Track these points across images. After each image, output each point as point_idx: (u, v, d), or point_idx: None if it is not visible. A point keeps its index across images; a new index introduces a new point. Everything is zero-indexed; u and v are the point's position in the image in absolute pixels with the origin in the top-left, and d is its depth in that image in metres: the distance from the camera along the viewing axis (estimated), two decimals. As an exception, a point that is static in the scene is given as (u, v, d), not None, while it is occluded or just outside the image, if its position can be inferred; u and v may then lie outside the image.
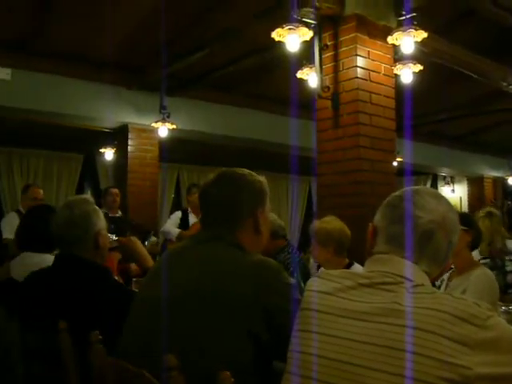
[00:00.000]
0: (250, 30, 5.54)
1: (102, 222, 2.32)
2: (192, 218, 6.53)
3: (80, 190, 9.24)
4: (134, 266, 4.67)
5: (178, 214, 6.68)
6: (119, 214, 6.32)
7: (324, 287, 1.38)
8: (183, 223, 6.51)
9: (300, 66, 4.88)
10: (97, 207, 2.37)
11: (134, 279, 3.86)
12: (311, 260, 4.56)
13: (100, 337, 1.70)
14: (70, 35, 5.93)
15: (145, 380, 1.43)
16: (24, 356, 2.33)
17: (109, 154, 8.09)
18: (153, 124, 6.93)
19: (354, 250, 3.52)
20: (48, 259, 2.51)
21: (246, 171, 1.92)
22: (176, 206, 9.95)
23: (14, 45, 6.13)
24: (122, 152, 7.49)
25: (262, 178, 1.93)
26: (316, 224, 3.61)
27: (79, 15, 5.56)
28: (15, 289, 2.58)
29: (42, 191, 6.10)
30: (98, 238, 2.27)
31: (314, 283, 1.42)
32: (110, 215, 5.74)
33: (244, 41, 5.75)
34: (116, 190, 6.39)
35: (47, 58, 6.37)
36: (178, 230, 6.36)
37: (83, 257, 2.21)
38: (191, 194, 6.65)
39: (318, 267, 3.97)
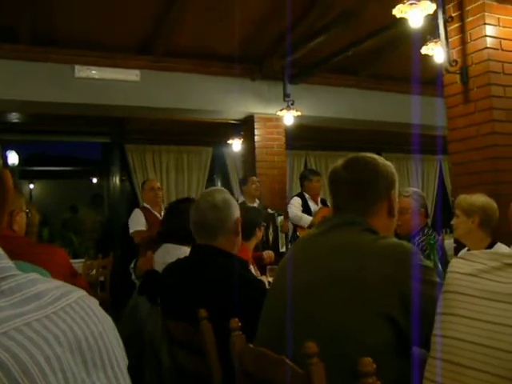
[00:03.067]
0: (369, 10, 5.43)
1: (238, 212, 2.39)
2: (312, 204, 6.52)
3: (210, 182, 9.50)
4: (266, 254, 4.76)
5: (298, 199, 6.68)
6: (257, 202, 6.31)
7: (467, 268, 1.33)
8: (304, 208, 6.51)
9: (424, 42, 4.71)
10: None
11: (269, 266, 3.91)
12: (446, 240, 4.40)
13: (239, 324, 1.75)
14: (193, 34, 6.11)
15: (285, 366, 1.44)
16: (167, 344, 2.45)
17: (236, 144, 8.27)
18: (278, 112, 6.98)
19: (494, 229, 3.34)
20: (188, 251, 2.61)
21: (375, 155, 1.90)
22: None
23: (141, 47, 6.42)
24: (249, 142, 7.61)
25: (389, 162, 1.91)
26: (460, 195, 3.47)
27: (201, 13, 5.72)
28: (156, 279, 2.71)
29: (158, 183, 6.33)
30: (238, 224, 2.34)
31: (456, 264, 1.37)
32: (247, 204, 5.81)
33: (363, 22, 5.64)
34: (257, 179, 6.44)
35: (173, 58, 6.61)
36: (310, 218, 6.36)
37: (219, 246, 2.28)
38: (312, 181, 6.65)
39: (456, 249, 3.82)
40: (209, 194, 2.41)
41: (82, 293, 0.81)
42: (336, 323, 1.57)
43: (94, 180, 12.46)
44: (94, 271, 5.87)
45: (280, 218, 5.61)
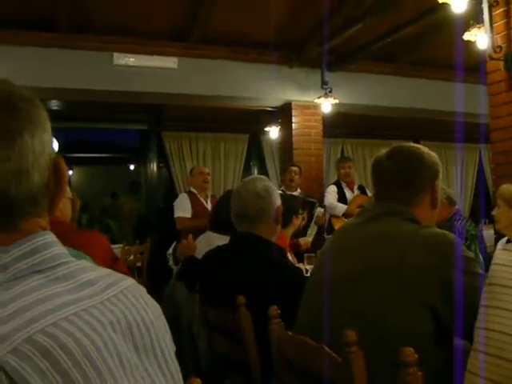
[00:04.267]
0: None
1: (279, 201, 2.39)
2: (347, 192, 6.48)
3: (247, 170, 9.51)
4: (303, 241, 4.75)
5: (334, 188, 6.63)
6: (298, 191, 6.24)
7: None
8: (340, 196, 6.46)
9: (467, 28, 4.61)
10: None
11: (306, 254, 3.90)
12: (485, 231, 4.32)
13: (279, 311, 1.75)
14: (230, 20, 6.10)
15: (324, 354, 1.43)
16: (205, 330, 2.47)
17: (273, 132, 8.24)
18: (315, 100, 6.94)
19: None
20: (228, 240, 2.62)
21: (419, 145, 1.89)
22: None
23: (179, 34, 6.42)
24: (286, 130, 7.58)
25: (433, 153, 1.89)
26: (503, 185, 3.40)
27: (237, 0, 5.70)
28: (195, 266, 2.73)
29: (207, 168, 6.37)
30: (279, 212, 2.34)
31: (500, 256, 1.35)
32: (286, 193, 5.78)
33: (403, 8, 5.53)
34: (296, 168, 6.39)
35: (210, 45, 6.60)
36: (344, 206, 6.33)
37: (259, 234, 2.28)
38: (344, 167, 6.61)
39: (496, 239, 3.75)
40: (250, 182, 2.41)
41: (132, 281, 0.83)
42: (376, 312, 1.57)
43: (132, 167, 12.59)
44: (132, 257, 5.95)
45: (319, 210, 5.56)
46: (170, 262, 4.95)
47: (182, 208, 5.70)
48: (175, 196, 7.08)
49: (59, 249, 0.75)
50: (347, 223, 1.98)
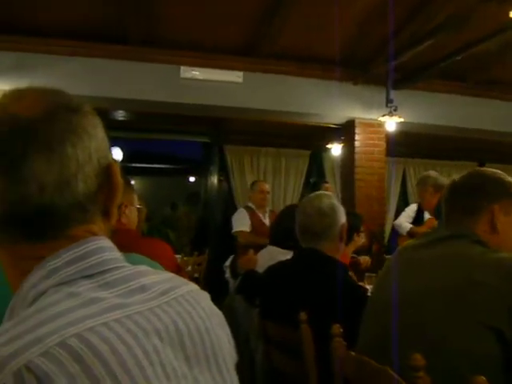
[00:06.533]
0: (479, 14, 5.18)
1: (344, 218, 2.37)
2: (427, 214, 6.34)
3: (306, 185, 9.46)
4: (363, 259, 4.69)
5: (413, 207, 6.50)
6: None
7: None
8: (417, 217, 6.34)
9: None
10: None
11: (367, 274, 3.86)
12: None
13: (341, 330, 1.72)
14: (296, 36, 6.11)
15: (388, 377, 1.40)
16: (263, 344, 2.45)
17: (336, 149, 8.18)
18: (380, 118, 6.87)
19: None
20: (290, 256, 2.60)
21: (497, 170, 1.84)
22: (403, 200, 9.76)
23: (245, 49, 6.48)
24: (348, 147, 7.51)
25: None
26: None
27: (305, 17, 5.71)
28: (256, 280, 2.72)
29: (267, 185, 6.38)
30: (343, 230, 2.32)
31: None
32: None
33: (472, 26, 5.41)
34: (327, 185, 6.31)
35: (276, 60, 6.63)
36: (409, 225, 6.21)
37: (323, 251, 2.26)
38: (426, 189, 6.47)
39: None
40: (315, 198, 2.40)
41: (193, 287, 0.81)
42: (441, 334, 1.54)
43: (192, 179, 12.73)
44: (190, 267, 6.00)
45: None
46: (227, 275, 4.96)
47: (242, 222, 5.75)
48: (234, 209, 7.12)
49: (112, 254, 0.76)
50: (412, 244, 1.94)
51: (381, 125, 7.07)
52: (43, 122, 0.72)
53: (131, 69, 6.20)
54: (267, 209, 6.08)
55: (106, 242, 0.76)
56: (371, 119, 7.13)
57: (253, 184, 6.43)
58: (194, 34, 6.03)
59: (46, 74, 5.58)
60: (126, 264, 0.76)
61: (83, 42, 5.93)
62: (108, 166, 0.79)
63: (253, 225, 5.69)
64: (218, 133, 8.91)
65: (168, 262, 2.17)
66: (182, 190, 12.26)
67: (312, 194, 2.54)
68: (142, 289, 0.72)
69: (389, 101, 6.86)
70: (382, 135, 7.29)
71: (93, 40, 5.94)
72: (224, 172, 9.21)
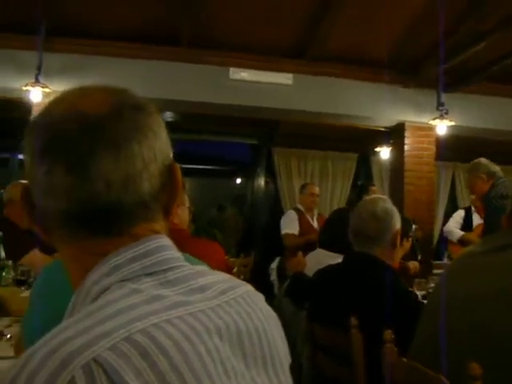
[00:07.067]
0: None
1: (399, 223, 2.33)
2: (476, 219, 6.21)
3: (354, 189, 9.37)
4: (412, 264, 4.61)
5: (461, 212, 6.40)
6: None
7: None
8: (465, 223, 6.22)
9: None
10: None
11: (417, 280, 3.80)
12: None
13: (393, 336, 1.70)
14: (346, 39, 6.10)
15: (440, 384, 1.38)
16: (310, 347, 2.43)
17: (384, 152, 8.09)
18: (430, 121, 6.77)
19: None
20: (339, 259, 2.58)
21: None
22: (451, 205, 9.59)
23: (294, 51, 6.49)
24: (397, 150, 7.42)
25: None
26: None
27: (355, 19, 5.69)
28: (305, 283, 2.71)
29: (317, 188, 6.35)
30: (396, 236, 2.29)
31: None
32: None
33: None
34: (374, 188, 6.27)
35: (326, 62, 6.61)
36: (460, 232, 6.10)
37: (376, 255, 2.23)
38: (478, 176, 6.34)
39: None
40: (371, 202, 2.37)
41: (249, 288, 0.81)
42: (500, 340, 1.48)
43: (239, 180, 12.78)
44: (236, 269, 6.02)
45: (414, 226, 5.41)
46: (273, 277, 4.96)
47: (291, 225, 5.75)
48: (280, 212, 7.11)
49: (173, 253, 0.76)
50: (470, 251, 1.89)
51: (431, 128, 6.96)
52: (110, 120, 0.73)
53: (181, 70, 6.27)
54: (315, 211, 6.05)
55: (166, 241, 0.77)
56: (421, 122, 7.03)
57: (303, 186, 6.41)
58: (244, 35, 6.07)
59: (94, 76, 5.63)
60: (186, 263, 0.76)
61: (132, 44, 6.03)
62: (170, 166, 0.79)
63: (301, 227, 5.69)
64: (267, 135, 8.91)
65: (219, 264, 2.17)
66: (229, 192, 12.31)
67: (367, 198, 2.52)
68: (202, 288, 0.73)
69: (440, 104, 6.75)
70: (432, 139, 7.18)
71: (142, 41, 6.04)
72: (271, 174, 9.21)
